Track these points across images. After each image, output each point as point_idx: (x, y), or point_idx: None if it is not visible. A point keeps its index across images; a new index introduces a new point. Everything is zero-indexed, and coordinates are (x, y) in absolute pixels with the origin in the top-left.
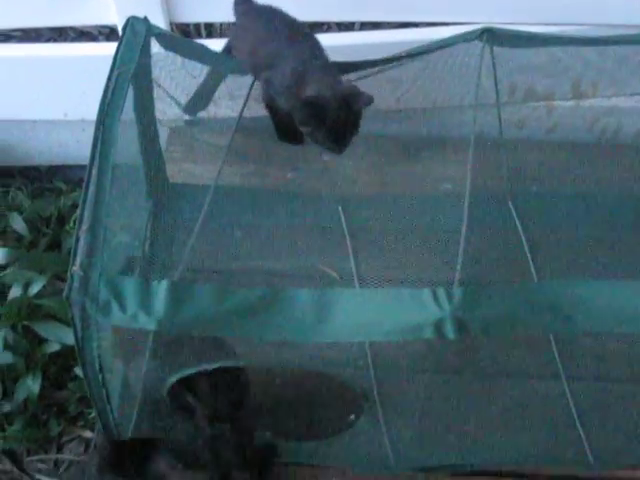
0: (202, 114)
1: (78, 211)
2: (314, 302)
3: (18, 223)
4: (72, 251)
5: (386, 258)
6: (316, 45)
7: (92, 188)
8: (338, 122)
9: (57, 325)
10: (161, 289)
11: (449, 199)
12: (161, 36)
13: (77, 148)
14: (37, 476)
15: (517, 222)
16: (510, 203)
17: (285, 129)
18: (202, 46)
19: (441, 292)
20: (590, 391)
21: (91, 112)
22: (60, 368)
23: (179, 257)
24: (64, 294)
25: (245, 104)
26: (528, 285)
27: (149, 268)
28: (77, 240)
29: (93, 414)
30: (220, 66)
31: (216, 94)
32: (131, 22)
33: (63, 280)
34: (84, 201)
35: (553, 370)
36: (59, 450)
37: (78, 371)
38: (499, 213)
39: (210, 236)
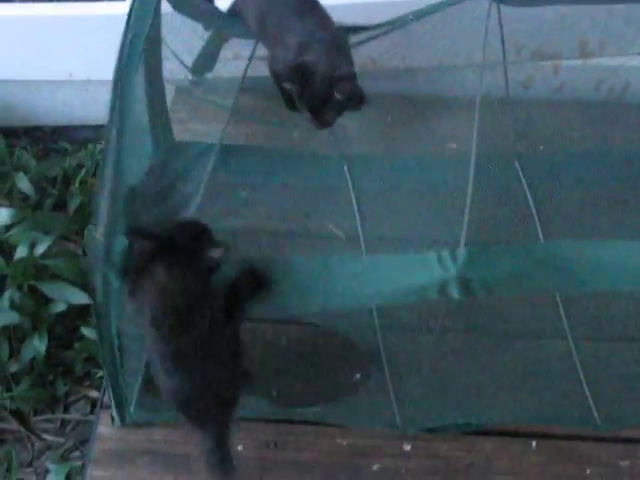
0: (208, 74)
1: (98, 175)
2: (319, 269)
3: (24, 183)
4: (94, 215)
5: (392, 217)
6: (325, 17)
7: (111, 151)
8: (316, 96)
9: (63, 285)
10: None
11: (455, 158)
12: None
13: (82, 108)
14: (44, 436)
15: (524, 182)
16: (517, 163)
17: (293, 101)
18: (212, 7)
19: (445, 254)
20: (597, 351)
21: (96, 72)
22: (66, 328)
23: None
24: (89, 262)
25: (248, 65)
26: (533, 245)
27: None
28: (98, 205)
29: (99, 374)
30: (226, 28)
31: (222, 54)
32: None
33: (69, 240)
34: (104, 165)
35: (560, 330)
36: (66, 410)
37: (84, 331)
38: (505, 173)
39: (215, 195)
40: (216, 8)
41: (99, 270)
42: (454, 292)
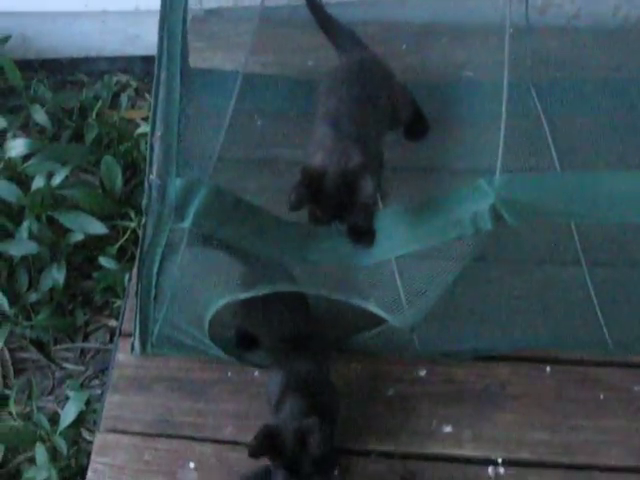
0: (222, 3)
1: (150, 116)
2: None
3: (40, 115)
4: (147, 158)
5: (413, 146)
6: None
7: (162, 92)
8: (332, 202)
9: (81, 215)
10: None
11: (472, 86)
12: None
13: (99, 40)
14: (64, 364)
15: (539, 108)
16: (533, 90)
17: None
18: None
19: (482, 182)
20: (610, 276)
21: (112, 3)
22: (84, 258)
23: (203, 147)
24: (143, 203)
25: None
26: (561, 174)
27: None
28: (151, 147)
29: (118, 303)
30: None
31: None
32: None
33: (86, 171)
34: (155, 106)
35: (574, 256)
36: (85, 339)
37: (103, 261)
38: (521, 100)
39: (232, 124)
40: None
41: (155, 212)
42: (487, 222)
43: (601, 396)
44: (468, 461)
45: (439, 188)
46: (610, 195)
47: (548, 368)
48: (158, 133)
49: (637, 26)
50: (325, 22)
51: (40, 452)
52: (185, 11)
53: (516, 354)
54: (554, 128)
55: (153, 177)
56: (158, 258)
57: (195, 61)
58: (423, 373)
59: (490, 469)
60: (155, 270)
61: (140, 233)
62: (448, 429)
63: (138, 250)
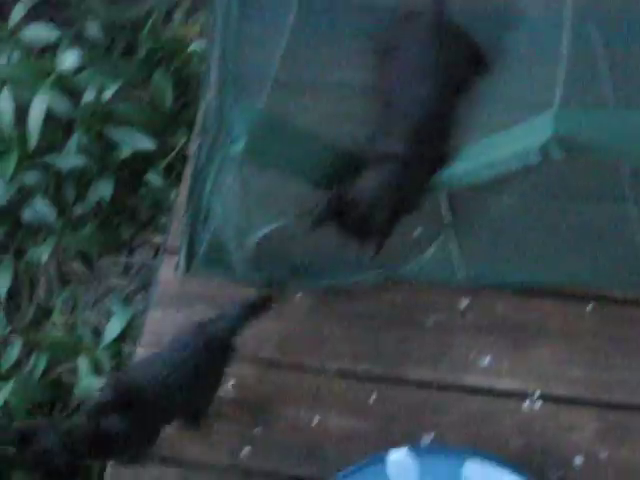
0: None
1: (207, 36)
2: None
3: (93, 29)
4: (203, 80)
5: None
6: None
7: (219, 11)
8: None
9: (130, 130)
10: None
11: (527, 17)
12: None
13: None
14: (108, 278)
15: (597, 42)
16: (591, 22)
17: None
18: None
19: (543, 117)
20: None
21: None
22: (132, 174)
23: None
24: (199, 123)
25: None
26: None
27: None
28: (208, 68)
29: (163, 220)
30: None
31: None
32: None
33: (136, 87)
34: (213, 28)
35: (623, 193)
36: (130, 254)
37: (150, 177)
38: (579, 33)
39: (293, 45)
40: None
41: (209, 132)
42: (555, 152)
43: None
44: (504, 394)
45: (492, 119)
46: None
47: (590, 305)
48: (216, 54)
49: None
50: None
51: (83, 364)
52: None
53: (558, 290)
54: (613, 62)
55: (210, 99)
56: (211, 180)
57: None
58: (463, 304)
59: (526, 403)
60: (207, 191)
61: (194, 153)
62: (486, 362)
63: (190, 170)
